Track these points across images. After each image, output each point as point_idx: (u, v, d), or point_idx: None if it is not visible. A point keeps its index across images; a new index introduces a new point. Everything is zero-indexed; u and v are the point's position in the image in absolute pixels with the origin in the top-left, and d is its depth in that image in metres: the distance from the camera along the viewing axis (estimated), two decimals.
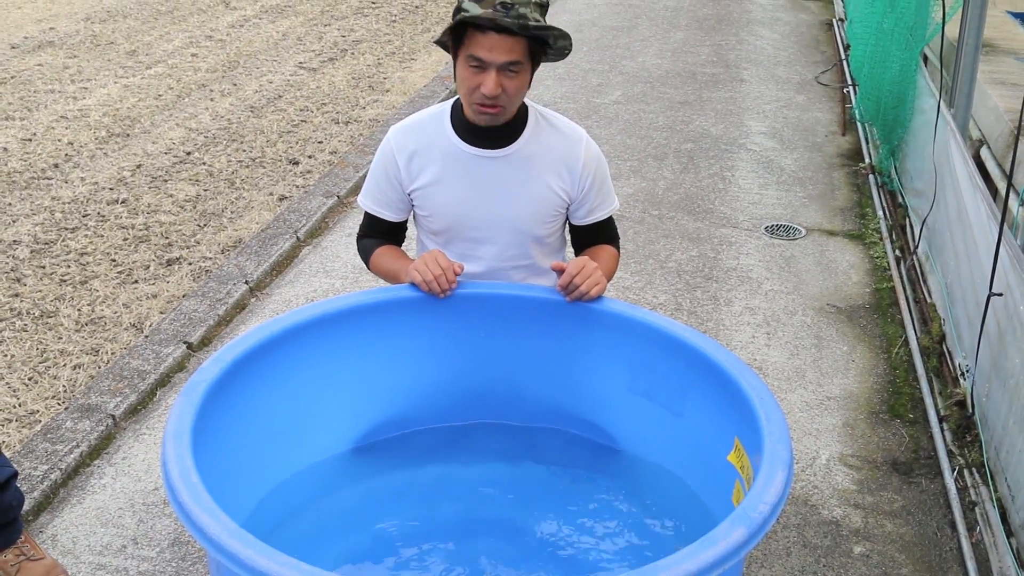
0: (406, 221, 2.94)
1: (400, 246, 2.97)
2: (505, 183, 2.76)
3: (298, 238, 5.40)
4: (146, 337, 4.37)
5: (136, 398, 3.98)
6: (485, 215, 2.78)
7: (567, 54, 2.71)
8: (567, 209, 2.85)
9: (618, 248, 2.97)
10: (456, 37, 2.58)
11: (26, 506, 3.32)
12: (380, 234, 2.94)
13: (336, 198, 5.88)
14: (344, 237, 5.49)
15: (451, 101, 2.79)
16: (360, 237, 2.99)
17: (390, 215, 2.88)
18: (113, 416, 3.84)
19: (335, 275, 5.07)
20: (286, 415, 2.63)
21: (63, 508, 3.44)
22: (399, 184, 2.81)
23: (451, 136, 2.75)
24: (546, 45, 2.62)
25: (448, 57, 2.66)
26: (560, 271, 2.68)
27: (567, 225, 2.95)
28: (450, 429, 2.91)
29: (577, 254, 2.93)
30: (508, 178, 2.76)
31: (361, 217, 2.96)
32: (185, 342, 4.35)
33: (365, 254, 2.95)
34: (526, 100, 2.75)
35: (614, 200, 2.92)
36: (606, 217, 2.90)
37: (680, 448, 2.68)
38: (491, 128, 2.72)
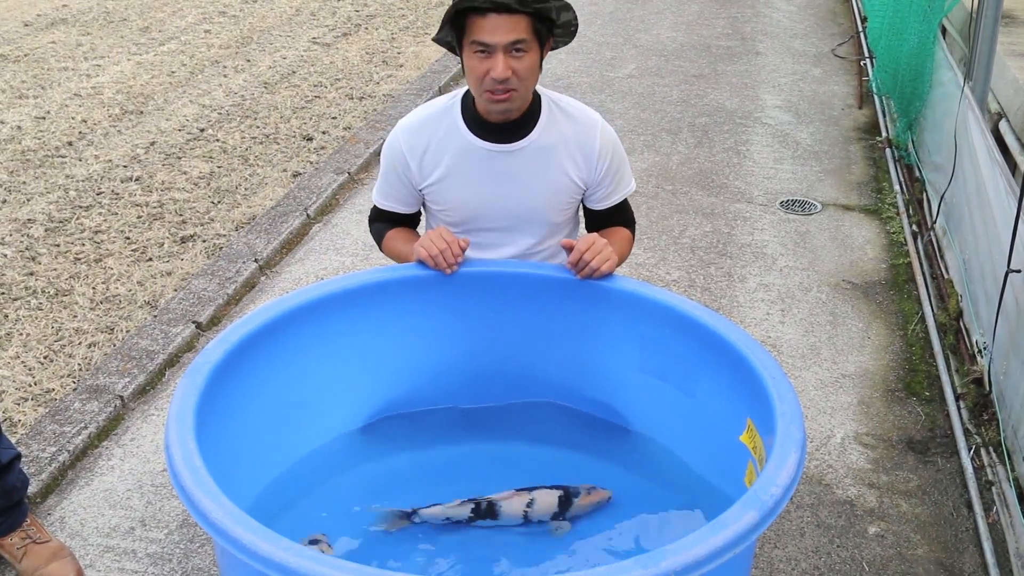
0: (419, 211, 2.93)
1: (414, 228, 2.95)
2: (521, 176, 2.71)
3: (308, 215, 5.36)
4: (155, 317, 4.36)
5: (144, 378, 3.96)
6: (502, 208, 2.75)
7: (574, 30, 2.66)
8: (583, 195, 2.82)
9: (633, 232, 2.94)
10: (458, 28, 2.54)
11: (34, 488, 3.31)
12: (393, 222, 2.93)
13: (347, 175, 5.85)
14: (354, 214, 5.45)
15: (460, 94, 2.73)
16: (372, 220, 2.97)
17: (403, 209, 2.88)
18: (121, 397, 3.83)
19: (345, 252, 5.04)
20: (293, 396, 2.61)
21: (71, 490, 3.43)
22: (411, 183, 2.79)
23: (464, 132, 2.70)
24: (551, 23, 2.57)
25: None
26: (570, 248, 2.64)
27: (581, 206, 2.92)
28: (459, 409, 2.89)
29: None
30: (524, 171, 2.71)
31: (371, 194, 2.94)
32: (194, 321, 4.33)
33: (378, 236, 2.95)
34: (537, 88, 2.70)
35: (630, 183, 2.88)
36: (622, 200, 2.87)
37: (692, 429, 2.66)
38: (504, 122, 2.67)
